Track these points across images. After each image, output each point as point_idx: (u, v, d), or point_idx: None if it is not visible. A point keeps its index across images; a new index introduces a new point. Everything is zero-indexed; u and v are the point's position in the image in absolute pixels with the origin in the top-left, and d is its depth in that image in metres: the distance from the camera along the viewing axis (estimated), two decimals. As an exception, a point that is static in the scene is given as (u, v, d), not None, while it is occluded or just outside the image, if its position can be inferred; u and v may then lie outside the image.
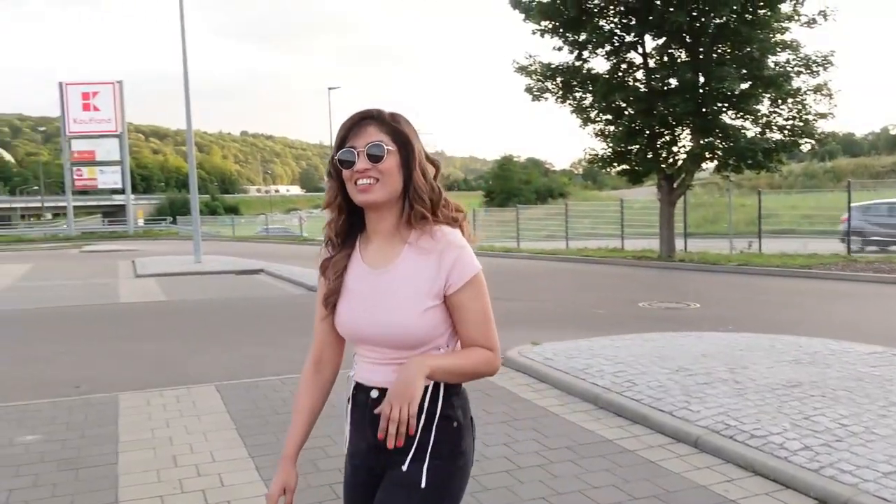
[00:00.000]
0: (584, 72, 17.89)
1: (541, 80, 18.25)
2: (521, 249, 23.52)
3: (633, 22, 16.85)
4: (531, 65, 18.23)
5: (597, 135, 18.56)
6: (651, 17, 16.33)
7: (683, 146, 18.06)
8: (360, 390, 1.74)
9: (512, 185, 72.79)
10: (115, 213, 67.05)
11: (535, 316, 9.88)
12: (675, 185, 18.03)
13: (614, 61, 17.81)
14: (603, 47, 17.46)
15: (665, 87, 17.01)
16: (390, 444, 1.54)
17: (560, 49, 17.95)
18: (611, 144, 18.19)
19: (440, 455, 1.67)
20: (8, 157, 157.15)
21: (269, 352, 7.70)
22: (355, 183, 1.63)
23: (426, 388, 1.64)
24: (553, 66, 17.96)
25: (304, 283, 14.38)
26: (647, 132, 17.49)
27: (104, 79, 50.61)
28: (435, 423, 1.67)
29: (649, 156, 17.78)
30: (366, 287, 1.70)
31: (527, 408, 5.32)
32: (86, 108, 47.58)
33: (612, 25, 17.41)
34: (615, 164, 18.70)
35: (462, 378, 1.71)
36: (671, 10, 15.53)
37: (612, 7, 17.05)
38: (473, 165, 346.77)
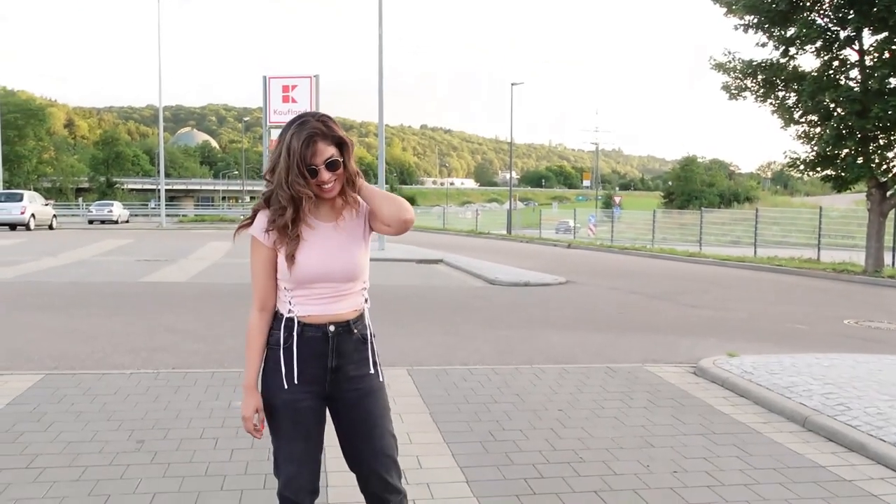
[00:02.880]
0: (790, 69, 16.69)
1: (740, 77, 17.26)
2: (704, 254, 22.43)
3: (852, 15, 15.46)
4: (730, 62, 17.29)
5: (800, 137, 17.26)
6: (874, 10, 14.89)
7: (902, 152, 16.40)
8: (311, 327, 2.25)
9: (694, 186, 69.85)
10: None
11: (728, 326, 9.37)
12: (887, 195, 16.41)
13: (825, 58, 16.45)
14: (813, 43, 16.16)
15: (884, 87, 15.46)
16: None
17: (764, 45, 16.86)
18: (815, 148, 16.85)
19: (378, 361, 2.38)
20: (214, 143, 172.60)
21: (455, 341, 7.86)
22: (320, 186, 2.18)
23: (364, 314, 2.35)
24: (755, 63, 16.91)
25: (483, 275, 14.61)
26: (859, 135, 16.02)
27: (301, 73, 53.91)
28: (372, 339, 2.36)
29: (860, 161, 16.26)
30: (327, 238, 2.25)
31: (726, 422, 5.04)
32: (285, 100, 50.48)
33: (826, 20, 16.09)
34: (818, 169, 17.29)
35: (375, 191, 2.28)
36: (899, 0, 14.07)
37: (827, -1, 15.76)
38: (651, 165, 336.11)
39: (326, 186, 2.19)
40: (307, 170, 2.15)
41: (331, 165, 2.18)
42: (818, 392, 5.46)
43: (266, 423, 2.35)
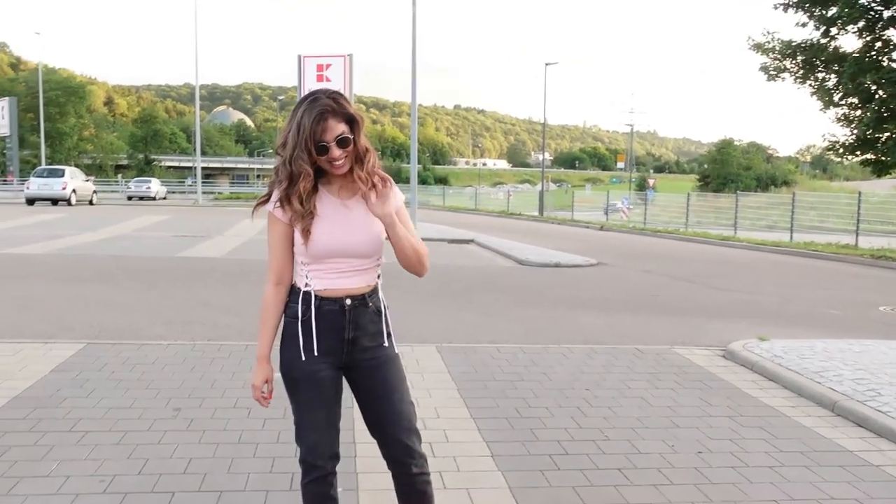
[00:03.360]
0: (831, 50, 16.33)
1: (779, 58, 16.95)
2: (738, 238, 22.15)
3: (896, -6, 15.08)
4: (769, 42, 16.97)
5: (839, 119, 16.93)
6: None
7: (944, 136, 16.00)
8: (328, 301, 2.31)
9: (730, 170, 68.65)
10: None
11: (760, 310, 9.29)
12: (929, 180, 16.08)
13: (867, 39, 16.08)
14: (855, 23, 15.80)
15: (929, 69, 15.09)
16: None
17: (804, 25, 16.56)
18: (856, 131, 16.51)
19: (392, 332, 2.44)
20: (249, 122, 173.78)
21: (484, 320, 7.92)
22: (331, 163, 2.22)
23: (378, 289, 2.40)
24: (794, 44, 16.59)
25: (514, 255, 14.63)
26: (901, 118, 15.69)
27: (335, 52, 54.01)
28: (386, 312, 2.42)
29: (901, 145, 15.94)
30: (343, 214, 2.29)
31: (753, 405, 5.04)
32: (319, 79, 50.43)
33: (870, -1, 15.73)
34: (858, 153, 16.97)
35: (407, 242, 2.31)
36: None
37: (871, -23, 15.37)
38: (687, 148, 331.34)
39: (337, 163, 2.23)
40: (318, 146, 2.19)
41: (341, 142, 2.21)
42: (849, 377, 5.43)
43: (279, 394, 2.41)
